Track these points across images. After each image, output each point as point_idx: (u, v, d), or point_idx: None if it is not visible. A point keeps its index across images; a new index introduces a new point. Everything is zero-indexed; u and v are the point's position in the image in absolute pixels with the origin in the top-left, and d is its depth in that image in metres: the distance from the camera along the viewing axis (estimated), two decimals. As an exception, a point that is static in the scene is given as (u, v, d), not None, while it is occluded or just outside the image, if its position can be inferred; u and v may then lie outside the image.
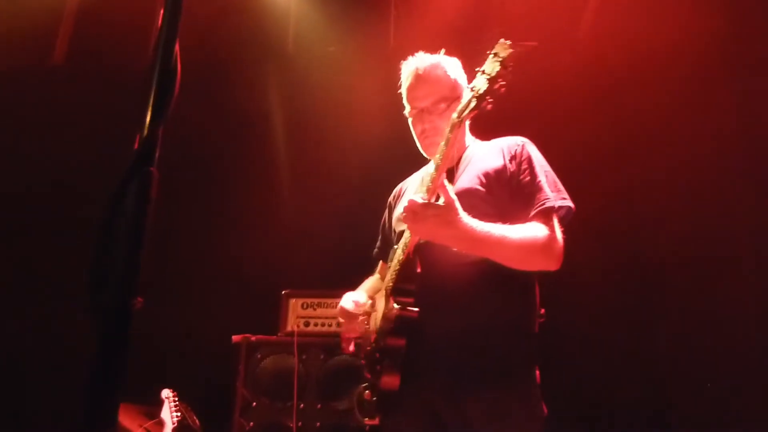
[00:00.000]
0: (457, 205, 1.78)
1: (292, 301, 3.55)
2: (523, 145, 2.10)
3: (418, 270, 1.92)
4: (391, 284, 1.98)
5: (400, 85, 2.28)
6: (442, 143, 1.90)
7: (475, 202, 1.90)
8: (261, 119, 4.64)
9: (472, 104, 1.78)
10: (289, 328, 3.46)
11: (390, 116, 4.05)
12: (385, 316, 1.97)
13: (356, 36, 4.51)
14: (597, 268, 3.69)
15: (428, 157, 2.24)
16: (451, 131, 1.88)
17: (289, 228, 4.32)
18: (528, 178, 2.00)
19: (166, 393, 3.41)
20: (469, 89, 1.82)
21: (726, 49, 3.89)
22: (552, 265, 1.92)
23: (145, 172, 0.95)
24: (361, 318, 2.14)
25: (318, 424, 3.26)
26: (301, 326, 3.47)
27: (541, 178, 2.00)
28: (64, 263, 4.10)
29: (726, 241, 3.77)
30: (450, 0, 4.25)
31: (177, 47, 1.07)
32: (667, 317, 3.83)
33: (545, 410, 1.93)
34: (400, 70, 2.27)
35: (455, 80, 2.21)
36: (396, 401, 1.91)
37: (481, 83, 1.76)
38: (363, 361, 2.09)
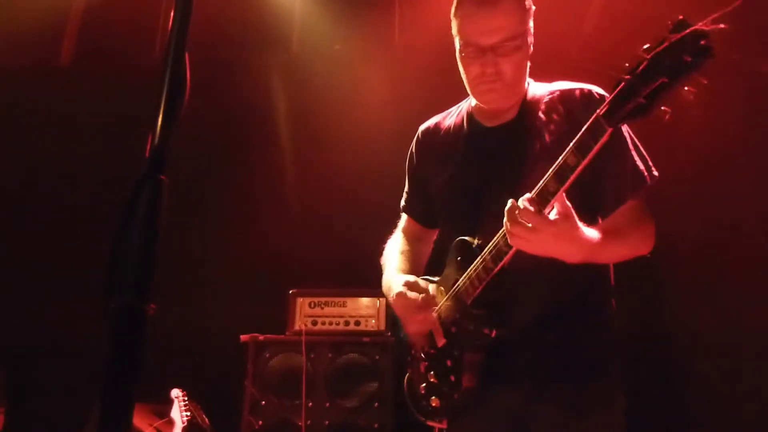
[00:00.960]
0: (575, 216, 1.54)
1: (300, 300, 3.56)
2: (603, 99, 1.76)
3: (505, 280, 1.72)
4: (467, 288, 1.79)
5: (454, 11, 1.88)
6: (579, 155, 1.44)
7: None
8: (266, 118, 4.63)
9: (640, 109, 1.34)
10: (296, 327, 3.47)
11: (396, 113, 4.10)
12: (458, 324, 1.83)
13: (361, 34, 4.49)
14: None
15: (477, 101, 1.95)
16: (595, 140, 1.42)
17: (295, 227, 4.32)
18: (613, 147, 1.64)
19: (175, 392, 3.43)
20: (629, 83, 1.34)
21: (731, 46, 3.86)
22: (649, 249, 1.76)
23: (157, 180, 0.96)
24: (433, 306, 1.89)
25: (326, 422, 3.28)
26: (309, 325, 3.48)
27: (629, 144, 1.76)
28: (69, 262, 4.12)
29: (728, 239, 3.75)
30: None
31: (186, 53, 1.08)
32: (675, 314, 3.82)
33: (625, 404, 1.82)
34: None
35: (529, 8, 1.83)
36: (470, 406, 1.81)
37: (660, 83, 1.29)
38: (425, 363, 1.95)
